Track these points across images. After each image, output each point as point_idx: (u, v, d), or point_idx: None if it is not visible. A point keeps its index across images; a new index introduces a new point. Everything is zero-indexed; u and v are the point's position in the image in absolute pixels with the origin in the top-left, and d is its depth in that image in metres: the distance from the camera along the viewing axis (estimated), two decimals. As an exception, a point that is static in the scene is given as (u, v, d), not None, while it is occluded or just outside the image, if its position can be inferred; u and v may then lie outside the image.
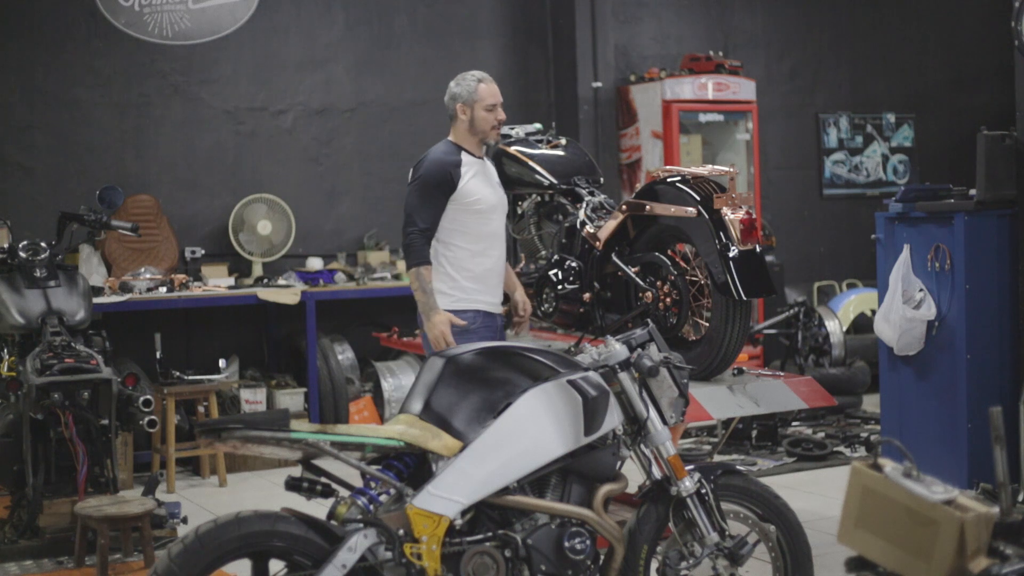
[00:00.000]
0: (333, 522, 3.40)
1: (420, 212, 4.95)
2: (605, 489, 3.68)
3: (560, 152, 5.75)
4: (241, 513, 3.29)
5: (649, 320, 4.32)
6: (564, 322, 5.55)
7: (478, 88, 5.03)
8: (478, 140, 5.10)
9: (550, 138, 5.85)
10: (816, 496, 6.22)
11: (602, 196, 5.54)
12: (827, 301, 9.41)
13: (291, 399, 7.65)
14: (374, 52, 8.70)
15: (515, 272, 5.80)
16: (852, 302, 9.06)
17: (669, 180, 4.98)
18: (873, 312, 7.00)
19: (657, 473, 3.82)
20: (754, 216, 4.78)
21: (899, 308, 5.80)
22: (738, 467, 4.06)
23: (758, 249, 4.76)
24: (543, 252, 5.69)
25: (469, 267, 5.03)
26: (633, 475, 3.84)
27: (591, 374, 3.71)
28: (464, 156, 5.05)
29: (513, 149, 5.75)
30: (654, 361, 3.77)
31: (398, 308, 8.29)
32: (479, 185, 5.04)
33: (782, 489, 4.33)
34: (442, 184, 4.96)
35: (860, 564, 2.74)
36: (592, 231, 5.29)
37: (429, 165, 5.01)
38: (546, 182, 5.59)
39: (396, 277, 8.19)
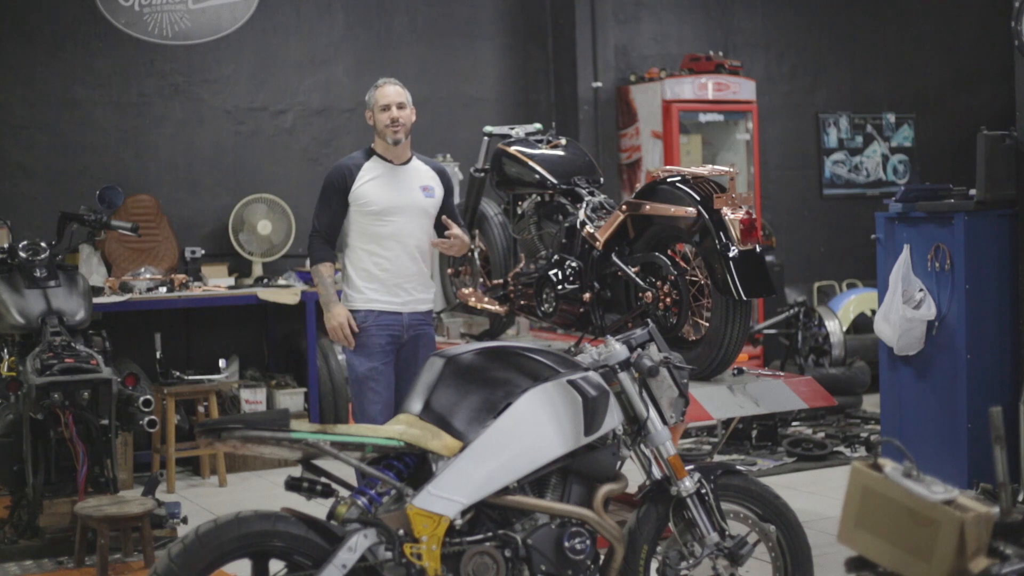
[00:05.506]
0: (333, 522, 3.40)
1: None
2: (605, 489, 3.68)
3: (560, 152, 5.75)
4: (241, 513, 3.29)
5: (649, 320, 4.32)
6: (564, 322, 5.54)
7: (374, 93, 5.14)
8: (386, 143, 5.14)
9: (550, 138, 5.84)
10: (816, 496, 6.22)
11: (602, 196, 5.53)
12: (827, 301, 9.40)
13: (291, 399, 7.64)
14: (374, 52, 8.70)
15: (514, 272, 5.81)
16: (852, 302, 9.06)
17: (669, 180, 4.97)
18: (873, 312, 6.99)
19: (657, 473, 3.81)
20: (754, 216, 4.77)
21: (899, 308, 5.80)
22: (738, 467, 4.05)
23: (758, 249, 4.76)
24: (543, 252, 5.68)
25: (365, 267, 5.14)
26: (633, 475, 3.84)
27: (591, 374, 3.70)
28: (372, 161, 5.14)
29: (513, 149, 5.75)
30: (654, 361, 3.77)
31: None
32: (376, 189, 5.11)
33: (782, 489, 4.33)
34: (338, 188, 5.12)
35: (860, 564, 2.74)
36: (592, 231, 5.28)
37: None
38: (546, 182, 5.59)
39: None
